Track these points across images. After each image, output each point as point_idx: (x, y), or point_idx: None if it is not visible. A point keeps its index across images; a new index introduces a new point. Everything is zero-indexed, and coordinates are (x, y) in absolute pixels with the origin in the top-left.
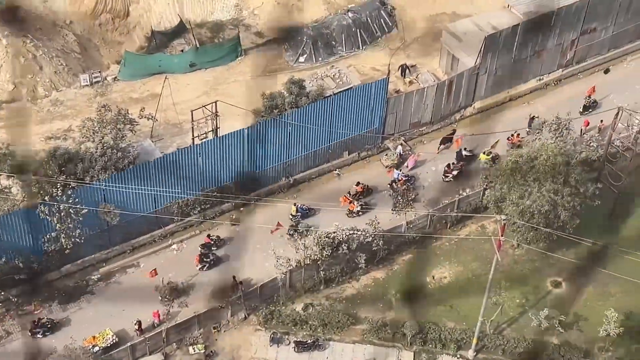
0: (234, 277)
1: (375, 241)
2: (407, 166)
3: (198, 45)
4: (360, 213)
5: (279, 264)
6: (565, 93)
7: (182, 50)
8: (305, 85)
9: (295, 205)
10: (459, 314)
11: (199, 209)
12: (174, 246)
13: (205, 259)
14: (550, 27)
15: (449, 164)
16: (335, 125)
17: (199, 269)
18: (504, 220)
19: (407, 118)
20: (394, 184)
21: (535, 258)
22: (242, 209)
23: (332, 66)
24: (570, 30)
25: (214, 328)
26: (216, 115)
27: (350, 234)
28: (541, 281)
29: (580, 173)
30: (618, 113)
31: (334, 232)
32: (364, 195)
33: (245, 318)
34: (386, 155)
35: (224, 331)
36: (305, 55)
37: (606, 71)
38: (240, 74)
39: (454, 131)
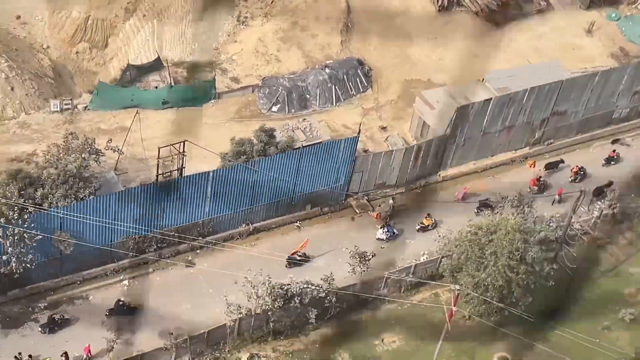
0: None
1: (328, 298)
2: (457, 197)
3: (173, 84)
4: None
5: (229, 310)
6: (530, 171)
7: (156, 87)
8: (276, 135)
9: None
10: None
11: (155, 247)
12: (125, 282)
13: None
14: (521, 105)
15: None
16: (300, 178)
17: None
18: (458, 290)
19: (373, 178)
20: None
21: (485, 331)
22: (198, 251)
23: (304, 119)
24: (541, 110)
25: None
26: (183, 154)
27: (303, 288)
28: (488, 356)
29: (538, 252)
30: (580, 196)
31: (288, 284)
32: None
33: None
34: (379, 206)
35: None
36: (278, 105)
37: (614, 141)
38: (211, 116)
39: (561, 160)
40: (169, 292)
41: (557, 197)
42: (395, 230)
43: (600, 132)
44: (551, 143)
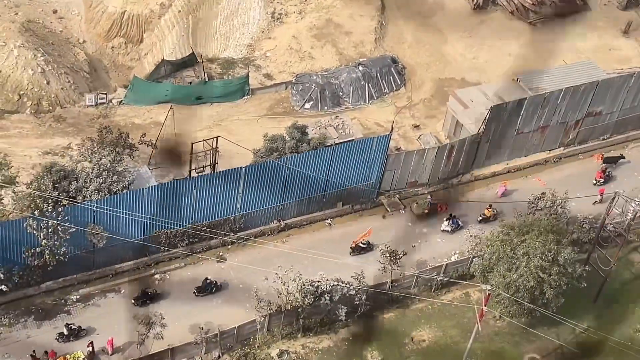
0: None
1: (359, 295)
2: (498, 194)
3: (207, 80)
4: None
5: (259, 306)
6: (564, 171)
7: (190, 83)
8: (308, 132)
9: None
10: None
11: (186, 241)
12: (157, 276)
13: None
14: (556, 105)
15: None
16: (332, 175)
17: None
18: (489, 290)
19: (405, 177)
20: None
21: (516, 332)
22: (229, 246)
23: (337, 116)
24: (575, 110)
25: None
26: (216, 150)
27: (334, 285)
28: (519, 357)
29: (570, 253)
30: (614, 198)
31: (318, 281)
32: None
33: (219, 357)
34: (417, 204)
35: None
36: (311, 102)
37: None
38: (244, 112)
39: (622, 155)
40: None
41: (599, 196)
42: (459, 222)
43: (636, 133)
44: (607, 138)
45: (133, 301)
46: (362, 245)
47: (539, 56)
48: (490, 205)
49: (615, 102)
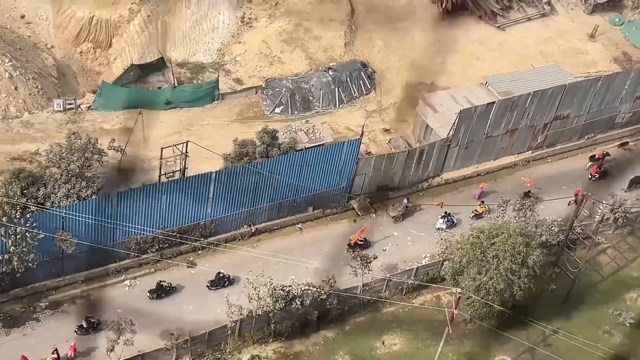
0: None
1: (330, 300)
2: (475, 196)
3: (176, 84)
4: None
5: (230, 311)
6: (532, 174)
7: (159, 87)
8: (278, 136)
9: None
10: None
11: (156, 247)
12: (127, 282)
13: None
14: (524, 109)
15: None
16: (303, 179)
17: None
18: (459, 293)
19: (376, 181)
20: None
21: (486, 335)
22: (200, 252)
23: (307, 121)
24: (543, 114)
25: None
26: (186, 155)
27: (305, 290)
28: (489, 359)
29: (539, 255)
30: (582, 200)
31: (289, 286)
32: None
33: None
34: (392, 206)
35: None
36: (281, 107)
37: (622, 144)
38: (214, 117)
39: (607, 153)
40: (170, 292)
41: (573, 197)
42: (454, 220)
43: (603, 136)
44: (592, 137)
45: (148, 294)
46: (360, 243)
47: (506, 60)
48: (483, 202)
49: (582, 106)
